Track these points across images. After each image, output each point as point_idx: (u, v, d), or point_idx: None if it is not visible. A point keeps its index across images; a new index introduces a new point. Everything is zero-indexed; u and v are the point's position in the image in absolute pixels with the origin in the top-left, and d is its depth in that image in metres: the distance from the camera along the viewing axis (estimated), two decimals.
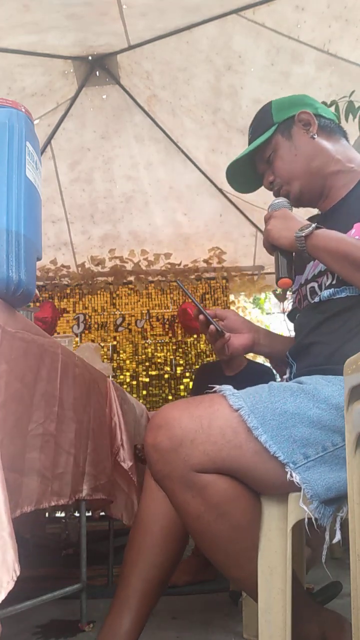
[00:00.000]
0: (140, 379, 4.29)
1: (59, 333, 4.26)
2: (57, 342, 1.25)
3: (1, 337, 0.91)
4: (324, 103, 1.81)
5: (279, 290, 4.37)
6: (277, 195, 1.29)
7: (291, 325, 3.07)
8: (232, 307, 4.49)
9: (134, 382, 4.28)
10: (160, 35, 2.87)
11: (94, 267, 4.37)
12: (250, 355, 3.04)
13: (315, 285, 1.19)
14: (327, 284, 1.16)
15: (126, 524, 1.86)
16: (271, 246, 1.18)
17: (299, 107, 1.26)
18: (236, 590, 1.70)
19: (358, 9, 2.48)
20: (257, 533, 0.99)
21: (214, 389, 1.03)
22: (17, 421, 1.00)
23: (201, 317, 1.25)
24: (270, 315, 7.31)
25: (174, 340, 4.36)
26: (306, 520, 0.95)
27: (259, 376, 1.41)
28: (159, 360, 4.32)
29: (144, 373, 4.30)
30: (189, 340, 4.35)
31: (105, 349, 4.30)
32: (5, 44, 2.78)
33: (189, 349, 4.34)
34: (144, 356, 4.33)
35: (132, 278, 4.40)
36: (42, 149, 3.52)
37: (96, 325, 4.38)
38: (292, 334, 1.36)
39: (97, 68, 3.19)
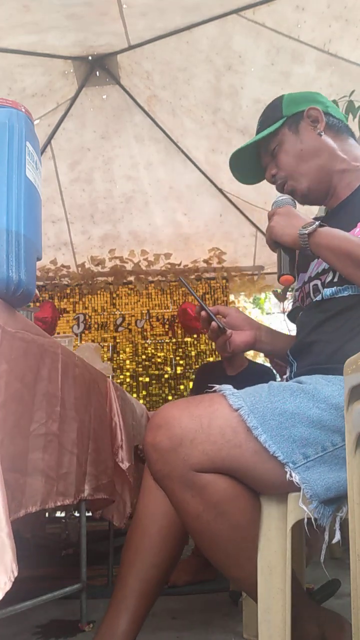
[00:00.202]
0: (140, 379, 4.29)
1: (59, 333, 4.26)
2: (57, 342, 1.25)
3: (1, 337, 0.91)
4: None
5: (279, 290, 4.37)
6: (279, 189, 1.29)
7: (291, 325, 3.08)
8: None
9: (134, 382, 4.28)
10: (160, 35, 2.87)
11: (94, 267, 4.37)
12: (250, 355, 3.04)
13: (319, 282, 1.19)
14: (329, 281, 1.15)
15: (116, 526, 1.85)
16: (274, 243, 1.18)
17: (310, 103, 1.26)
18: (236, 590, 1.70)
19: (358, 9, 2.49)
20: (257, 533, 0.99)
21: (213, 389, 1.03)
22: (18, 421, 1.00)
23: (203, 313, 1.25)
24: (270, 315, 7.30)
25: (174, 340, 4.36)
26: (305, 520, 0.95)
27: (259, 376, 1.41)
28: (159, 360, 4.32)
29: (144, 373, 4.30)
30: (189, 340, 4.35)
31: (105, 349, 4.29)
32: (5, 44, 2.78)
33: (189, 349, 4.34)
34: (144, 356, 4.33)
35: (132, 278, 4.40)
36: (42, 149, 3.52)
37: (96, 325, 4.38)
38: (293, 333, 1.36)
39: (97, 68, 3.20)
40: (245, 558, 0.99)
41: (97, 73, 3.22)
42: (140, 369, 4.30)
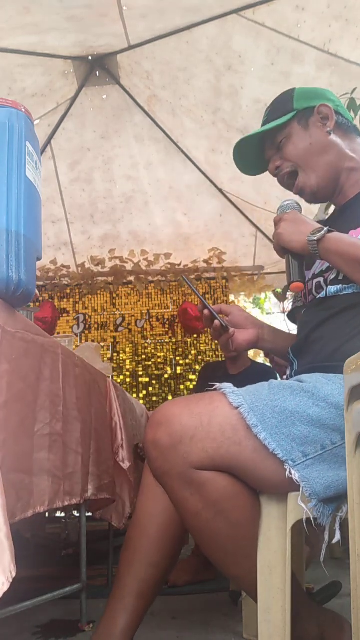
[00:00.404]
0: (140, 379, 4.29)
1: (59, 333, 4.26)
2: (57, 342, 1.25)
3: (1, 337, 0.91)
4: None
5: (279, 290, 4.36)
6: (282, 182, 1.28)
7: (292, 326, 3.08)
8: None
9: (134, 382, 4.28)
10: (160, 35, 2.87)
11: (94, 267, 4.37)
12: (250, 355, 3.04)
13: (321, 280, 1.19)
14: (333, 278, 1.15)
15: (116, 526, 1.86)
16: (282, 249, 1.17)
17: (322, 99, 1.25)
18: (236, 590, 1.70)
19: (358, 9, 2.49)
20: (256, 531, 0.99)
21: (214, 387, 1.03)
22: (21, 421, 1.00)
23: (206, 312, 1.25)
24: (270, 315, 7.31)
25: (174, 340, 4.36)
26: (304, 519, 0.95)
27: (261, 376, 1.41)
28: (159, 360, 4.32)
29: (144, 373, 4.30)
30: (189, 340, 4.35)
31: (105, 349, 4.29)
32: (6, 44, 2.78)
33: (189, 349, 4.34)
34: (144, 356, 4.33)
35: (132, 278, 4.40)
36: (42, 149, 3.52)
37: (96, 325, 4.38)
38: (294, 333, 1.36)
39: (97, 68, 3.20)
40: (244, 556, 0.99)
41: (97, 73, 3.23)
42: (140, 369, 4.30)
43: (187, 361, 4.31)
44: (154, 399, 4.24)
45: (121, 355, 4.32)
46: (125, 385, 4.20)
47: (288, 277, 1.17)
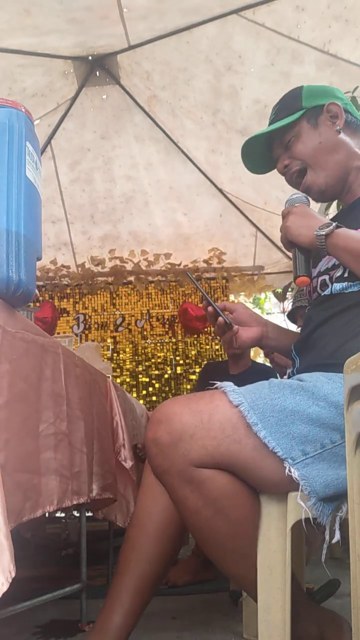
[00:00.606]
0: (140, 379, 4.29)
1: (59, 333, 4.26)
2: (58, 342, 1.25)
3: (2, 337, 0.91)
4: None
5: (279, 290, 4.37)
6: (290, 181, 1.28)
7: (292, 326, 3.08)
8: None
9: (134, 382, 4.28)
10: (160, 36, 2.87)
11: (94, 267, 4.37)
12: (250, 355, 3.05)
13: (327, 277, 1.18)
14: (338, 276, 1.15)
15: (120, 525, 1.86)
16: (289, 243, 1.16)
17: (330, 98, 1.24)
18: (236, 590, 1.70)
19: (358, 9, 2.49)
20: (255, 530, 0.99)
21: (215, 386, 1.03)
22: (25, 421, 1.00)
23: (210, 309, 1.25)
24: (270, 315, 7.31)
25: (174, 340, 4.36)
26: (303, 519, 0.95)
27: (262, 376, 1.41)
28: (159, 360, 4.32)
29: (144, 373, 4.30)
30: (189, 340, 4.35)
31: (105, 349, 4.29)
32: (6, 44, 2.78)
33: (189, 349, 4.34)
34: (144, 356, 4.33)
35: (132, 278, 4.40)
36: (42, 149, 3.52)
37: (96, 325, 4.38)
38: (297, 331, 1.36)
39: (97, 68, 3.20)
40: (243, 555, 0.99)
41: (97, 73, 3.22)
42: (140, 369, 4.30)
43: (187, 361, 4.31)
44: (154, 399, 4.24)
45: (121, 355, 4.32)
46: (125, 385, 4.20)
47: (294, 271, 1.16)
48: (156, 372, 4.30)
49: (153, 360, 4.32)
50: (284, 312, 4.26)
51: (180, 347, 4.34)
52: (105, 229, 4.16)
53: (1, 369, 0.90)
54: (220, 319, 1.24)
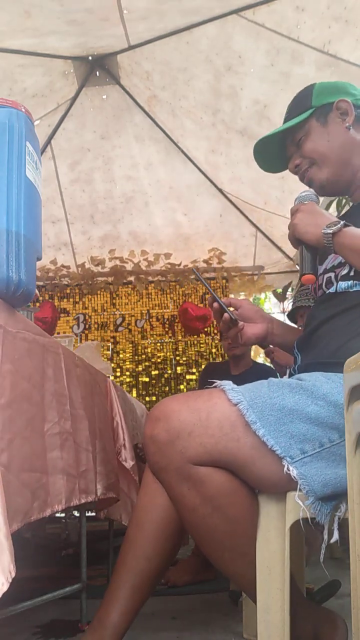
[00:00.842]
0: (140, 379, 4.29)
1: (59, 333, 4.26)
2: (58, 342, 1.25)
3: (3, 337, 0.91)
4: None
5: (279, 290, 4.37)
6: (302, 179, 1.28)
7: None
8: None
9: (134, 382, 4.28)
10: (160, 36, 2.87)
11: (94, 267, 4.37)
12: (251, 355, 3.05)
13: (332, 275, 1.18)
14: (344, 274, 1.15)
15: (125, 524, 1.86)
16: (296, 240, 1.16)
17: (341, 94, 1.25)
18: (236, 590, 1.70)
19: (358, 10, 2.49)
20: (253, 529, 0.99)
21: (214, 384, 1.03)
22: (29, 421, 1.00)
23: (215, 305, 1.25)
24: (270, 315, 7.30)
25: (173, 340, 4.36)
26: (301, 518, 0.95)
27: (263, 376, 1.41)
28: (159, 360, 4.32)
29: (144, 373, 4.30)
30: (189, 340, 4.35)
31: (105, 349, 4.30)
32: (6, 44, 2.79)
33: (189, 349, 4.34)
34: (144, 356, 4.33)
35: (132, 278, 4.40)
36: (42, 149, 3.52)
37: (96, 325, 4.38)
38: (299, 328, 1.36)
39: (97, 68, 3.20)
40: (241, 553, 0.99)
41: (97, 73, 3.22)
42: (140, 369, 4.30)
43: (187, 361, 4.31)
44: (154, 399, 4.24)
45: (121, 355, 4.32)
46: (125, 385, 4.20)
47: (300, 269, 1.16)
48: (156, 372, 4.30)
49: (153, 360, 4.32)
50: (284, 312, 4.26)
51: (180, 347, 4.34)
52: (105, 229, 4.16)
53: (3, 368, 0.90)
54: (225, 314, 1.24)
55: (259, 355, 4.06)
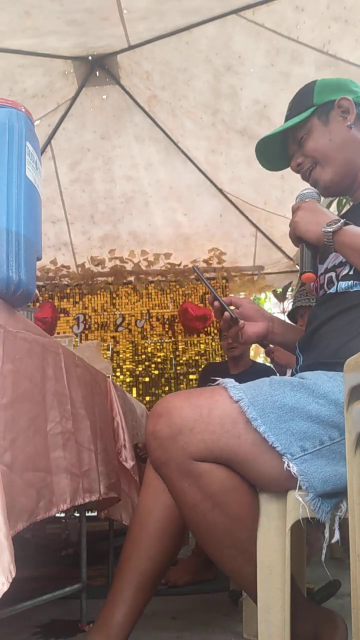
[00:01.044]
0: (140, 379, 4.29)
1: (59, 333, 4.26)
2: (58, 342, 1.25)
3: (4, 337, 0.91)
4: None
5: (279, 290, 4.37)
6: (304, 177, 1.27)
7: None
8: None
9: (134, 382, 4.28)
10: (160, 36, 2.87)
11: (94, 267, 4.37)
12: (250, 355, 3.05)
13: (333, 275, 1.18)
14: (345, 274, 1.15)
15: (126, 524, 1.86)
16: (297, 238, 1.16)
17: (342, 92, 1.23)
18: (236, 590, 1.70)
19: (357, 10, 2.49)
20: (253, 526, 1.00)
21: (216, 382, 1.04)
22: (32, 420, 1.00)
23: (216, 303, 1.25)
24: (271, 314, 7.30)
25: (173, 340, 4.36)
26: (301, 517, 0.95)
27: (262, 375, 1.42)
28: (159, 360, 4.32)
29: (144, 373, 4.30)
30: (189, 340, 4.35)
31: (105, 349, 4.30)
32: (6, 44, 2.79)
33: (189, 349, 4.34)
34: (144, 356, 4.33)
35: (132, 278, 4.40)
36: (42, 149, 3.52)
37: (96, 325, 4.38)
38: (300, 327, 1.35)
39: (97, 68, 3.19)
40: (241, 551, 0.99)
41: (97, 73, 3.22)
42: (140, 369, 4.30)
43: (187, 361, 4.31)
44: (154, 399, 4.24)
45: (121, 355, 4.32)
46: (125, 385, 4.20)
47: (301, 267, 1.16)
48: (156, 372, 4.30)
49: (153, 360, 4.32)
50: (284, 312, 4.26)
51: (180, 347, 4.34)
52: (105, 229, 4.15)
53: (4, 368, 0.90)
54: (226, 313, 1.24)
55: (259, 355, 4.06)
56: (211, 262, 4.36)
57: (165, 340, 4.36)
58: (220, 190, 3.87)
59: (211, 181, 3.81)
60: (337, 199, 2.99)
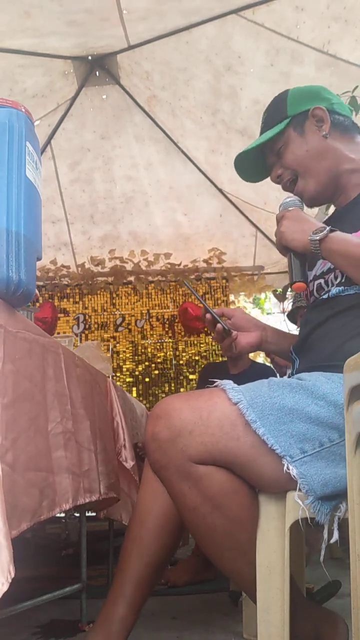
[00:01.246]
0: (140, 379, 4.29)
1: (59, 333, 4.26)
2: (58, 342, 1.25)
3: (4, 337, 0.91)
4: None
5: (279, 290, 4.37)
6: (285, 188, 1.28)
7: (291, 326, 3.08)
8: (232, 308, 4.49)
9: (134, 382, 4.28)
10: (160, 36, 2.87)
11: (94, 267, 4.37)
12: (250, 355, 3.05)
13: (322, 281, 1.19)
14: (337, 282, 1.15)
15: (126, 524, 1.86)
16: (284, 248, 1.16)
17: (315, 101, 1.24)
18: (236, 590, 1.70)
19: (357, 10, 2.49)
20: (253, 528, 1.00)
21: (215, 384, 1.04)
22: (33, 420, 1.00)
23: (208, 315, 1.25)
24: (271, 315, 7.31)
25: (173, 340, 4.36)
26: (300, 518, 0.95)
27: (261, 376, 1.42)
28: (159, 360, 4.32)
29: (144, 373, 4.30)
30: (189, 340, 4.35)
31: (105, 349, 4.29)
32: (6, 44, 2.79)
33: (189, 349, 4.34)
34: (144, 356, 4.33)
35: (132, 278, 4.40)
36: (42, 149, 3.52)
37: (96, 325, 4.38)
38: (296, 334, 1.36)
39: (97, 68, 3.19)
40: (241, 553, 1.00)
41: (97, 73, 3.22)
42: (140, 369, 4.30)
43: (188, 361, 4.31)
44: (154, 399, 4.24)
45: (121, 355, 4.32)
46: (125, 386, 4.20)
47: (290, 277, 1.17)
48: (156, 372, 4.30)
49: (153, 360, 4.32)
50: (284, 312, 4.26)
51: (180, 347, 4.34)
52: (105, 229, 4.15)
53: (5, 368, 0.90)
54: (218, 325, 1.24)
55: (259, 355, 4.06)
56: (211, 262, 4.36)
57: (165, 340, 4.36)
58: (220, 190, 3.87)
59: (211, 181, 3.81)
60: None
